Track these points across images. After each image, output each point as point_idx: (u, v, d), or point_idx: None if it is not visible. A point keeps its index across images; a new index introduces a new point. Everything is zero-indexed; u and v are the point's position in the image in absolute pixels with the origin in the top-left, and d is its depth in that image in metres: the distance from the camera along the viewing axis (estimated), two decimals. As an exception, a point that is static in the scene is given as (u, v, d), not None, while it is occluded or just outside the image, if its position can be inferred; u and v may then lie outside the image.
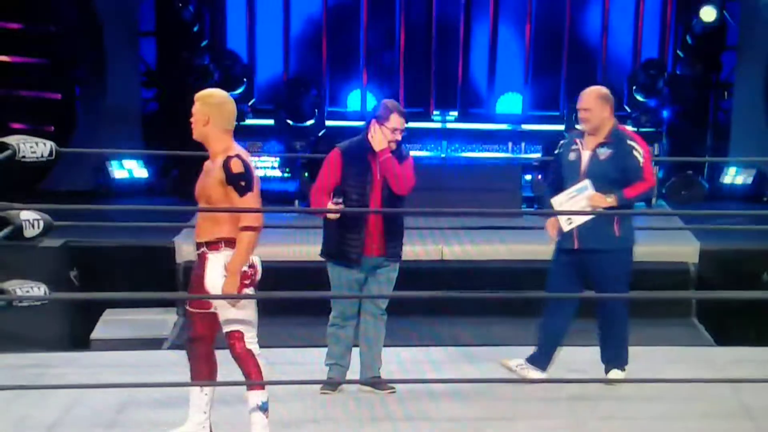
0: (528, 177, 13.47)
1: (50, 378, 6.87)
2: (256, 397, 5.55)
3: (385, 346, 6.62)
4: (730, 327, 9.43)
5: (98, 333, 9.21)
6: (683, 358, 7.64)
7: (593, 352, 6.89)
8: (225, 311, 5.47)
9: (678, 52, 14.37)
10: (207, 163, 5.59)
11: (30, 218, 6.62)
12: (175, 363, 7.54)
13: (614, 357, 6.82)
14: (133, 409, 6.15)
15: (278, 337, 8.51)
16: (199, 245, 5.55)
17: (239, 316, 5.48)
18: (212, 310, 5.53)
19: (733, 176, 13.48)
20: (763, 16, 13.53)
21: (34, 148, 6.37)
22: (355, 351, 6.59)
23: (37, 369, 7.08)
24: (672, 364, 7.38)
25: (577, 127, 6.97)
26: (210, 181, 5.46)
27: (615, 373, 6.78)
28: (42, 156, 6.41)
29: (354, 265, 6.43)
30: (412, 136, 13.99)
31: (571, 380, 6.75)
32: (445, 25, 14.45)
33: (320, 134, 13.58)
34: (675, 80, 14.18)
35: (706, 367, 7.32)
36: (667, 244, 10.65)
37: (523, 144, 14.28)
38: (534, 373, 6.73)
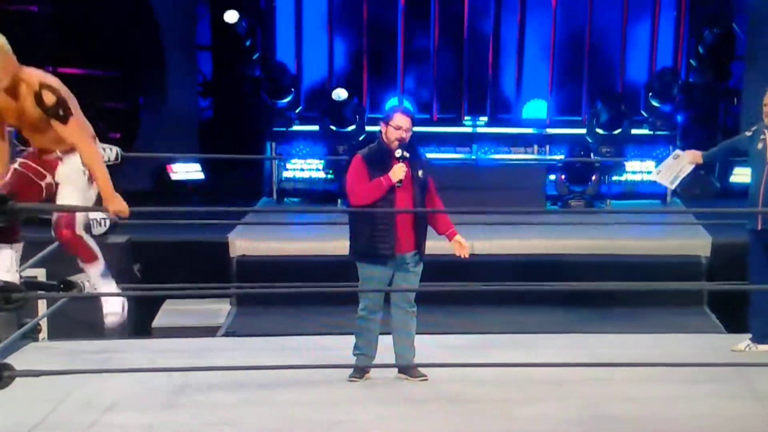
0: (552, 177, 13.43)
1: (115, 362, 6.89)
2: (94, 270, 5.49)
3: (418, 333, 6.58)
4: (740, 315, 9.34)
5: (159, 321, 9.25)
6: (696, 344, 7.59)
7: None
8: (60, 194, 5.34)
9: (691, 61, 14.29)
10: (5, 99, 5.17)
11: (97, 217, 6.66)
12: (229, 348, 7.60)
13: None
14: (189, 391, 6.15)
15: (314, 324, 8.58)
16: (47, 151, 5.32)
17: (73, 199, 5.34)
18: (42, 182, 5.36)
19: (742, 176, 13.40)
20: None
21: (101, 152, 6.41)
22: (389, 341, 6.56)
23: (104, 354, 7.11)
24: (685, 349, 7.32)
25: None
26: (29, 116, 5.16)
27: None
28: (109, 160, 6.47)
29: (386, 262, 6.34)
30: (445, 141, 14.02)
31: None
32: (476, 38, 14.43)
33: (361, 138, 13.54)
34: (688, 87, 14.10)
35: (717, 352, 7.24)
36: (681, 238, 10.61)
37: (547, 147, 14.23)
38: (764, 347, 6.98)
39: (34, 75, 5.19)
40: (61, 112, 5.17)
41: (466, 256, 6.46)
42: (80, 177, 5.40)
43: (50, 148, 5.38)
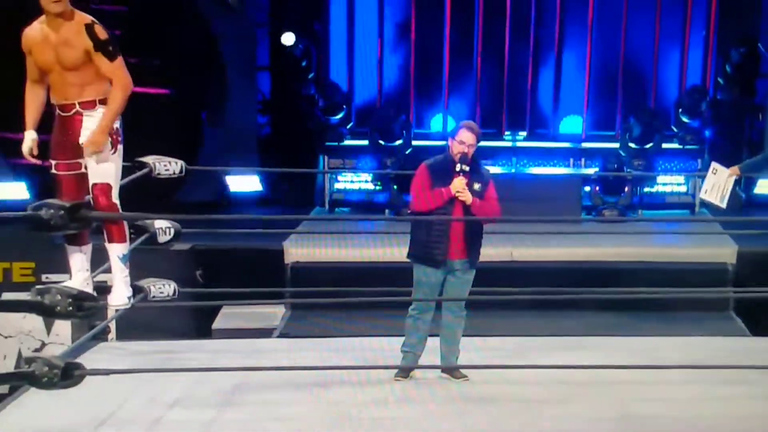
0: (587, 189, 13.33)
1: (178, 362, 6.91)
2: (118, 249, 5.41)
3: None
4: (764, 319, 9.22)
5: (219, 323, 9.24)
6: (723, 347, 7.49)
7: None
8: (92, 163, 5.21)
9: (718, 79, 14.12)
10: (46, 30, 5.12)
11: (163, 226, 6.64)
12: (283, 349, 7.61)
13: None
14: (246, 389, 6.16)
15: (363, 327, 8.55)
16: (67, 107, 5.21)
17: (107, 168, 5.23)
18: (81, 170, 5.28)
19: (765, 187, 13.26)
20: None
21: (167, 166, 6.41)
22: (436, 341, 6.53)
23: (167, 354, 7.14)
24: (713, 352, 7.22)
25: None
26: (69, 51, 5.09)
27: None
28: (174, 173, 6.44)
29: (439, 266, 6.34)
30: (486, 154, 13.95)
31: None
32: (516, 58, 14.34)
33: (407, 152, 13.54)
34: (715, 104, 13.95)
35: (742, 354, 7.14)
36: (709, 246, 10.49)
37: (582, 160, 14.11)
38: None
39: (85, 14, 5.18)
40: (110, 48, 5.13)
41: (456, 191, 6.31)
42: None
43: (71, 100, 5.21)
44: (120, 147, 5.34)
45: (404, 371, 6.41)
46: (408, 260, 6.49)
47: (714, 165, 6.97)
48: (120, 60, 5.20)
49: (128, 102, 5.33)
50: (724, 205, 6.80)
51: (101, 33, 5.15)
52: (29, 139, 5.34)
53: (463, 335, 6.56)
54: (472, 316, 6.62)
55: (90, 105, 5.25)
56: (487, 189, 6.39)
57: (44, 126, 5.43)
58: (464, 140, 6.34)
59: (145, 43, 13.10)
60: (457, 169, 6.29)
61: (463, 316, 6.48)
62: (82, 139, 5.27)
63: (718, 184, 6.84)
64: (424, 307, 6.44)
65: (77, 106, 5.24)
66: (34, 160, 5.37)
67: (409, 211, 7.71)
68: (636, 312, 9.38)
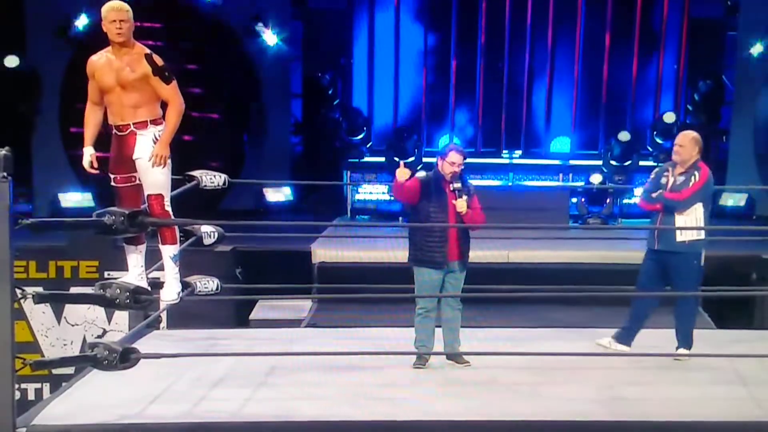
0: (574, 200, 13.28)
1: (220, 347, 6.87)
2: (170, 250, 5.39)
3: (462, 327, 6.49)
4: (727, 314, 9.14)
5: (255, 315, 9.20)
6: (693, 338, 7.37)
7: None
8: (146, 177, 5.20)
9: (688, 106, 14.14)
10: (110, 57, 5.14)
11: (208, 230, 6.61)
12: (311, 337, 7.55)
13: (682, 339, 6.58)
14: (279, 371, 6.11)
15: (380, 318, 8.47)
16: (123, 127, 5.19)
17: (159, 181, 5.22)
18: (137, 182, 5.27)
19: (730, 200, 13.15)
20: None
21: (212, 179, 6.38)
22: (440, 332, 6.46)
23: (211, 341, 7.09)
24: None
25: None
26: (129, 74, 5.09)
27: (682, 350, 6.58)
28: (218, 185, 6.41)
29: (439, 267, 6.28)
30: (486, 170, 13.91)
31: (640, 354, 6.47)
32: (513, 87, 14.36)
33: (419, 168, 13.50)
34: (685, 127, 13.76)
35: (710, 344, 7.04)
36: (679, 251, 10.38)
37: (570, 175, 14.10)
38: (622, 348, 6.61)
39: (143, 45, 5.21)
40: (166, 74, 5.14)
41: (460, 210, 6.27)
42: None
43: (126, 120, 5.20)
44: (169, 162, 5.32)
45: (421, 359, 6.35)
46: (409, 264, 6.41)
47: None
48: (174, 84, 5.19)
49: (184, 124, 5.33)
50: (702, 236, 6.63)
51: (158, 61, 5.17)
52: (88, 154, 5.34)
53: (467, 326, 6.51)
54: (475, 310, 6.56)
55: (143, 125, 5.24)
56: (472, 200, 6.35)
57: (103, 144, 5.41)
58: (454, 161, 6.31)
59: (202, 76, 13.15)
60: (452, 187, 6.26)
61: (460, 309, 6.42)
62: (135, 155, 5.26)
63: (688, 222, 6.64)
64: (430, 306, 6.38)
65: (132, 126, 5.23)
66: (94, 172, 5.35)
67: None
68: (617, 307, 9.24)
